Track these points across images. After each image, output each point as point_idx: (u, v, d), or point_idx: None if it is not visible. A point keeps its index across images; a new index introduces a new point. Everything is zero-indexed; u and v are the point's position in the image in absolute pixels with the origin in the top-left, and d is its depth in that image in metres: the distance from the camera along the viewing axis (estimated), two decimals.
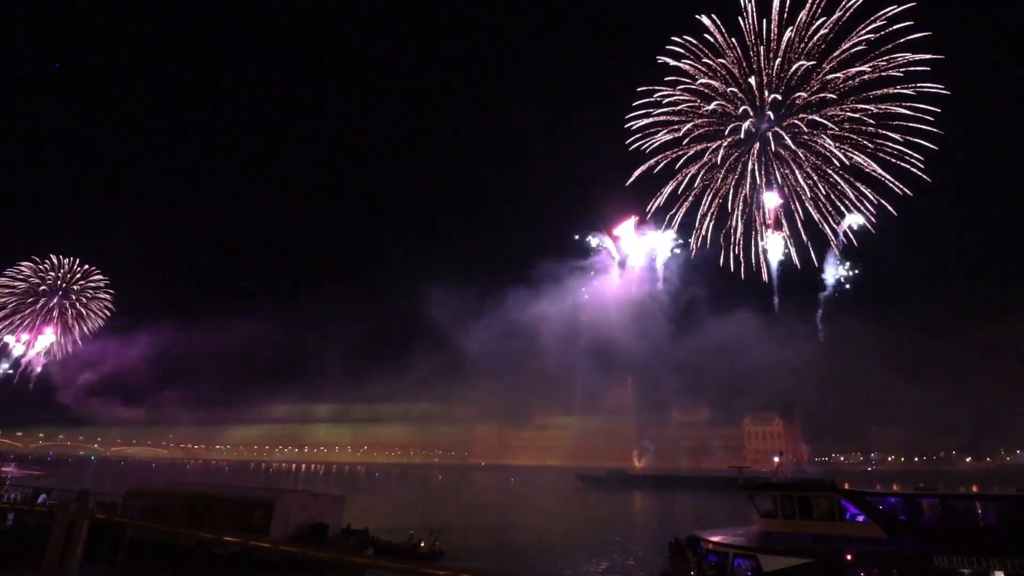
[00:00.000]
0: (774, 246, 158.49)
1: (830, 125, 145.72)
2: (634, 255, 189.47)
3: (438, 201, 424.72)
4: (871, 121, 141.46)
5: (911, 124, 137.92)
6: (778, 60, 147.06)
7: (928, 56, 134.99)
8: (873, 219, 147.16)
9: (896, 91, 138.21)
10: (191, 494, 35.22)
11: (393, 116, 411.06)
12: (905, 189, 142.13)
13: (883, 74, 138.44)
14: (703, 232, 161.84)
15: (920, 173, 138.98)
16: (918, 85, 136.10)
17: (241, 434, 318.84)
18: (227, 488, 45.07)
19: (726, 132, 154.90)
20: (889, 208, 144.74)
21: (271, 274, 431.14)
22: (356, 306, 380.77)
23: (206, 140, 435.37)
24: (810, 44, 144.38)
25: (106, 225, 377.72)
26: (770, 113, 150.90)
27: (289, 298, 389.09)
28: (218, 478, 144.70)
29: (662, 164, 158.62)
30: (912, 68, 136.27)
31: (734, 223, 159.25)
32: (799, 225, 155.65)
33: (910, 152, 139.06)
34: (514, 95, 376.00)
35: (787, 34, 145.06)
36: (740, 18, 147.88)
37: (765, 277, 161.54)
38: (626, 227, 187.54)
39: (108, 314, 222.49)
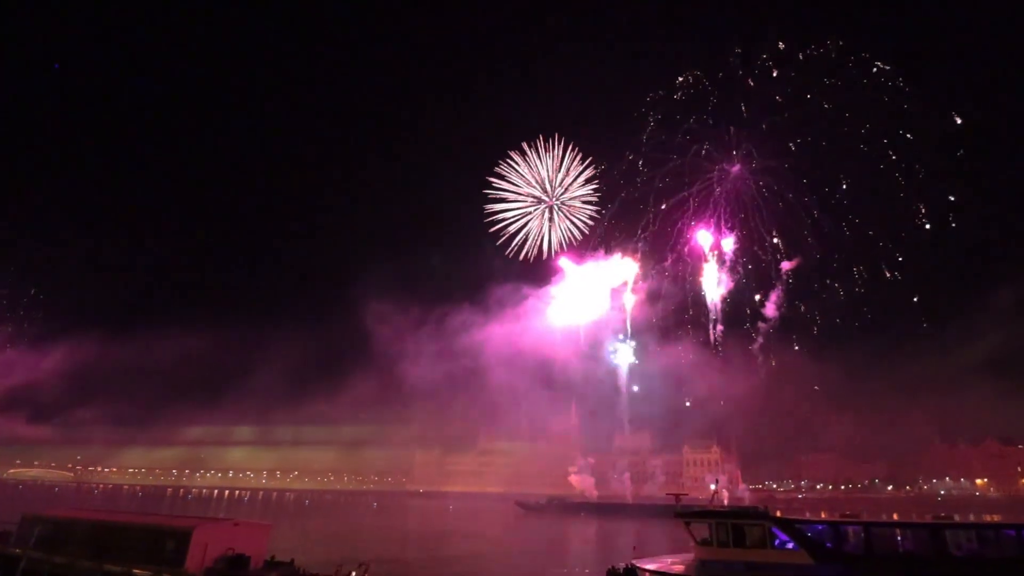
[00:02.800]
0: (718, 282, 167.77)
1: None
2: (590, 282, 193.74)
3: (379, 217, 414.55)
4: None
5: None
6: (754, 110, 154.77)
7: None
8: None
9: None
10: (95, 522, 31.99)
11: (336, 129, 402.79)
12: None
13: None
14: (660, 267, 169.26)
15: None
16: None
17: (158, 456, 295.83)
18: (137, 515, 41.45)
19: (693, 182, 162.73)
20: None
21: (199, 291, 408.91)
22: (290, 326, 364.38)
23: (137, 149, 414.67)
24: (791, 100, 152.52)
25: (24, 230, 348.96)
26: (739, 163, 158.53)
27: (219, 316, 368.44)
28: (129, 504, 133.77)
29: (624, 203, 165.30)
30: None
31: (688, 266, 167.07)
32: (744, 261, 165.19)
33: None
34: (482, 111, 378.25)
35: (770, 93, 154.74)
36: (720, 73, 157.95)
37: (710, 310, 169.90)
38: (585, 254, 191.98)
39: (26, 324, 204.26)
